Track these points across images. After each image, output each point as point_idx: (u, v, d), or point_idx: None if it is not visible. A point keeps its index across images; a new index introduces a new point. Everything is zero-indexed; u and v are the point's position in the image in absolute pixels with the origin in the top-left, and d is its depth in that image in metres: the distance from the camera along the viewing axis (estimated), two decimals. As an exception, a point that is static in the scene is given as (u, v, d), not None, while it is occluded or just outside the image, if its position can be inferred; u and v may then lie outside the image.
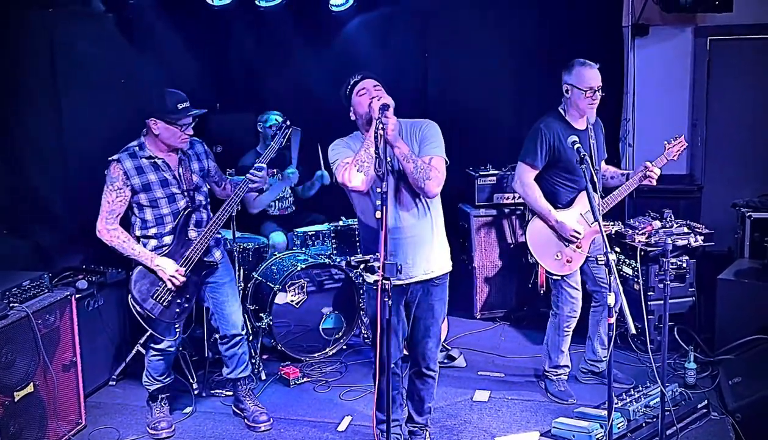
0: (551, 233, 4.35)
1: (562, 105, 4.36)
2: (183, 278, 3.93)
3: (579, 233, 4.28)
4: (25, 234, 4.64)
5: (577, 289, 4.44)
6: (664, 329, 4.23)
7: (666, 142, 4.38)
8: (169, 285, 3.92)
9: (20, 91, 4.57)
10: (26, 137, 4.62)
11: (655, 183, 4.35)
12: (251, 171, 4.07)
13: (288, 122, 4.34)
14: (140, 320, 3.98)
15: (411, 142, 3.51)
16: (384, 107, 3.27)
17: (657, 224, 5.12)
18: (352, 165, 3.35)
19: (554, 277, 4.43)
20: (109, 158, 3.90)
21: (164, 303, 3.94)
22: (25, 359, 3.72)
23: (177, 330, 4.09)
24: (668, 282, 4.29)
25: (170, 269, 3.91)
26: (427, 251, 3.57)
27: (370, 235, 3.61)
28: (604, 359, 4.61)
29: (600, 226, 3.41)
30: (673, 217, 5.22)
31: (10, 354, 3.62)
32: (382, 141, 3.20)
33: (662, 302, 4.28)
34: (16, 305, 3.75)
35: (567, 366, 4.60)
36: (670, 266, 4.68)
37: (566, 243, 4.33)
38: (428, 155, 3.47)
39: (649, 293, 4.92)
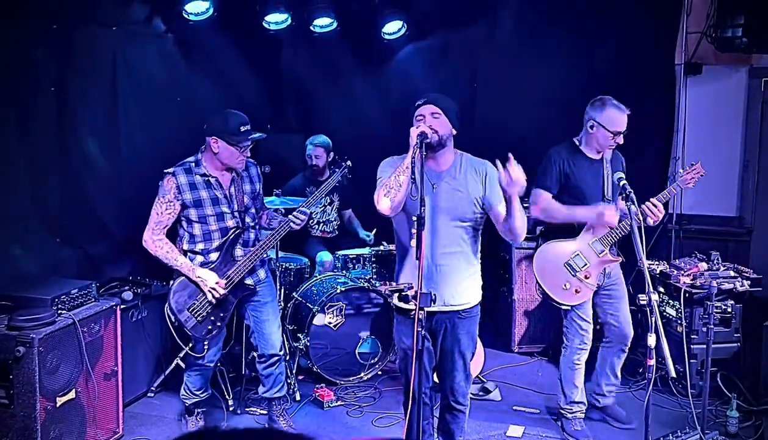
0: (559, 263, 4.29)
1: (578, 136, 4.37)
2: (223, 291, 3.99)
3: (614, 215, 4.15)
4: (77, 244, 4.77)
5: (587, 321, 4.35)
6: (706, 374, 4.15)
7: (681, 168, 4.28)
8: (209, 297, 3.98)
9: (81, 106, 4.72)
10: (83, 151, 4.76)
11: (656, 219, 4.13)
12: (294, 213, 4.15)
13: (348, 163, 4.41)
14: (172, 331, 4.06)
15: (472, 178, 3.50)
16: (422, 136, 3.25)
17: (703, 266, 5.03)
18: (381, 189, 3.35)
19: (563, 307, 4.35)
20: (165, 171, 4.01)
21: (198, 318, 4.01)
22: (69, 365, 3.83)
23: (205, 346, 4.14)
24: (712, 326, 4.23)
25: (211, 281, 3.97)
26: (455, 284, 3.51)
27: (400, 258, 3.63)
28: (607, 394, 4.54)
29: (644, 265, 3.38)
30: (720, 259, 5.11)
31: (55, 360, 3.72)
32: (420, 167, 3.20)
33: (705, 346, 4.21)
34: (63, 312, 3.87)
35: (582, 403, 4.49)
36: (715, 310, 4.59)
37: (573, 273, 4.26)
38: (501, 202, 3.44)
39: (693, 337, 4.82)
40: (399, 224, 3.57)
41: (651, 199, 4.17)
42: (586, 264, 4.25)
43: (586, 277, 4.26)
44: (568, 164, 4.29)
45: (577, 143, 4.37)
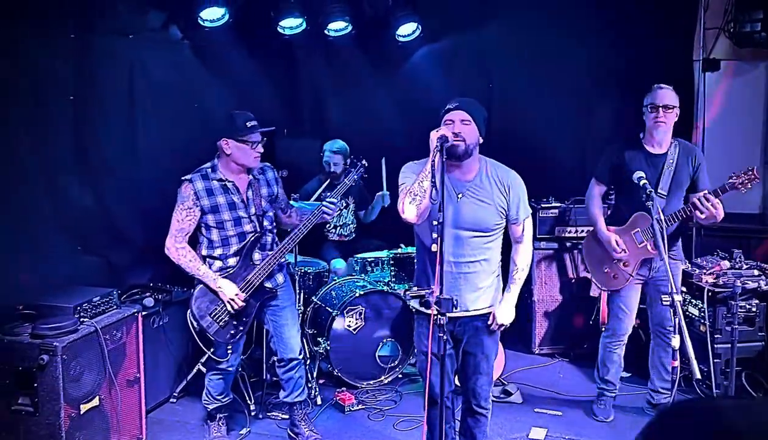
0: (604, 246, 4.48)
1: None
2: (242, 303, 4.00)
3: (618, 247, 4.38)
4: (98, 251, 4.80)
5: (625, 311, 4.49)
6: (731, 373, 4.11)
7: (734, 173, 4.18)
8: (228, 308, 4.00)
9: (99, 114, 4.75)
10: (102, 159, 4.80)
11: (708, 215, 4.09)
12: (326, 203, 4.14)
13: (364, 162, 4.43)
14: (195, 336, 4.08)
15: (497, 188, 3.45)
16: (442, 140, 3.19)
17: (726, 264, 4.97)
18: (406, 196, 3.31)
19: (603, 291, 4.65)
20: (182, 178, 4.03)
21: (220, 323, 4.02)
22: (92, 373, 3.85)
23: (229, 351, 4.15)
24: (736, 326, 4.18)
25: (230, 292, 3.98)
26: (478, 288, 3.49)
27: (421, 263, 3.60)
28: (662, 391, 4.56)
29: (666, 264, 3.35)
30: (743, 258, 5.05)
31: (78, 367, 3.74)
32: (440, 171, 3.13)
33: (730, 345, 4.16)
34: (86, 320, 3.89)
35: (612, 384, 4.64)
36: (739, 309, 4.55)
37: (615, 259, 4.43)
38: (520, 217, 3.49)
39: (716, 336, 4.75)
40: (420, 228, 3.52)
41: (704, 193, 4.14)
42: (625, 251, 4.41)
43: (624, 264, 4.43)
44: (622, 157, 4.40)
45: (641, 136, 4.45)
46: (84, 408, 3.78)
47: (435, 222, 3.07)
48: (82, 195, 4.67)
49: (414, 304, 3.61)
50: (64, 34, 4.49)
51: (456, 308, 3.12)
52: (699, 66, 6.04)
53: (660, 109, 4.23)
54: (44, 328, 3.67)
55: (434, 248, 3.06)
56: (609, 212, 4.77)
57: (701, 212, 4.09)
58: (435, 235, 3.06)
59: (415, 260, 3.74)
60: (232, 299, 3.98)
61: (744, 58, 5.96)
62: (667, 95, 4.26)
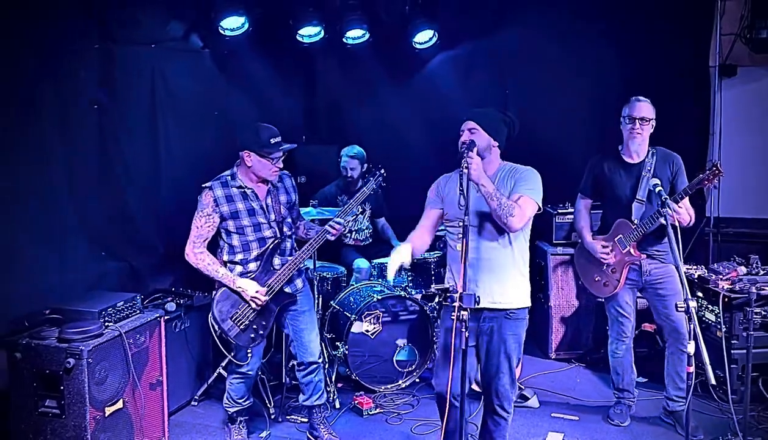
0: (591, 257, 4.65)
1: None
2: (265, 298, 4.07)
3: (606, 254, 4.54)
4: (121, 257, 4.90)
5: (622, 314, 4.60)
6: (747, 379, 4.12)
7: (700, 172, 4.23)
8: (252, 305, 4.07)
9: (121, 122, 4.85)
10: (125, 166, 4.89)
11: (683, 221, 4.21)
12: (331, 223, 4.21)
13: (382, 171, 4.50)
14: (216, 340, 4.15)
15: (506, 182, 3.64)
16: (470, 146, 3.48)
17: (742, 270, 4.98)
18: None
19: (598, 299, 4.85)
20: (203, 185, 4.11)
21: (241, 326, 4.09)
22: (116, 376, 3.93)
23: (249, 355, 4.22)
24: (752, 332, 4.20)
25: (251, 290, 4.06)
26: (500, 281, 3.61)
27: (448, 260, 3.82)
28: (676, 399, 4.55)
29: (680, 270, 3.40)
30: (759, 263, 5.06)
31: (103, 371, 3.83)
32: (466, 178, 3.38)
33: (746, 351, 4.18)
34: (110, 324, 3.98)
35: (628, 392, 4.70)
36: (755, 315, 4.56)
37: (604, 266, 4.58)
38: (518, 193, 3.58)
39: (733, 342, 4.76)
40: (449, 227, 3.78)
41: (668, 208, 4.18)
42: (605, 255, 4.57)
43: (612, 271, 4.57)
44: (601, 169, 4.60)
45: (619, 148, 4.58)
46: (108, 410, 3.87)
47: (459, 224, 3.35)
48: (106, 202, 4.76)
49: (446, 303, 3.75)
50: (88, 45, 4.59)
51: (477, 304, 3.29)
52: (715, 72, 6.05)
53: (636, 121, 4.38)
54: (70, 332, 3.76)
55: (458, 247, 3.31)
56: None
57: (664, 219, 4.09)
58: (460, 235, 3.35)
59: (433, 267, 3.84)
60: (255, 297, 4.05)
61: (760, 63, 5.96)
62: (644, 108, 4.39)
